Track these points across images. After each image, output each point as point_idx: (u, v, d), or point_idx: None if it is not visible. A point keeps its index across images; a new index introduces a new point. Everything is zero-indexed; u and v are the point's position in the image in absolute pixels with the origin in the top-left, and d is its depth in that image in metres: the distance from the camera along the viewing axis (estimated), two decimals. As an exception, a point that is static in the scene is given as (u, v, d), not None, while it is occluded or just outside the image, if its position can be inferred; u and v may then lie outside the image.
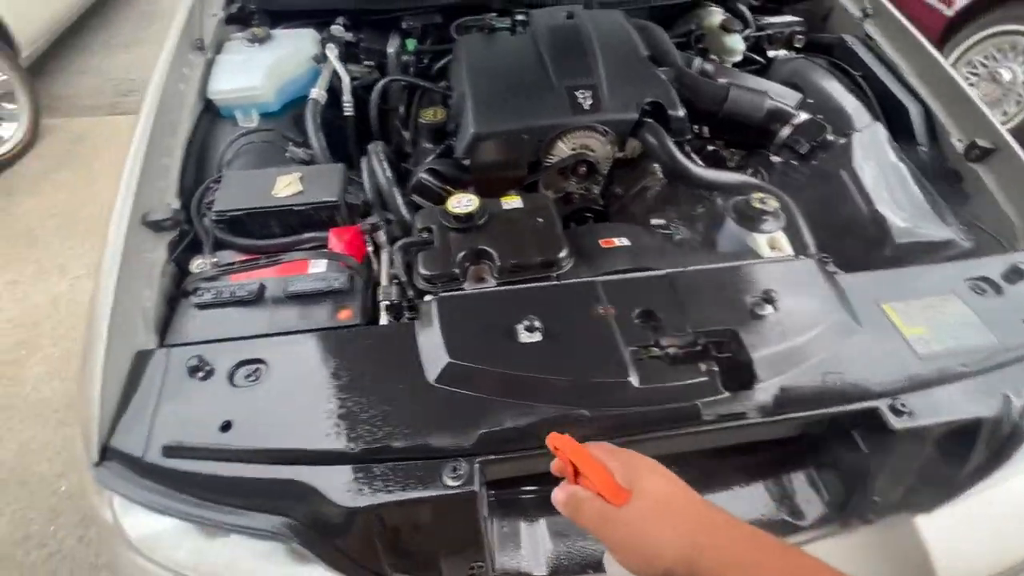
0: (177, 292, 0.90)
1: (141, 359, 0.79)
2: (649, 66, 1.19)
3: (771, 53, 1.51)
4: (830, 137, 1.12)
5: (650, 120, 1.13)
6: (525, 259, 0.92)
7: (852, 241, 1.04)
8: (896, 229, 1.01)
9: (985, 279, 0.88)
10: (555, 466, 0.48)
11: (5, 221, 2.34)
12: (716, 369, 0.73)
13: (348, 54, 1.34)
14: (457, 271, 0.91)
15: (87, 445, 0.71)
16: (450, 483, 0.65)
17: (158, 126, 1.03)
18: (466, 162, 1.11)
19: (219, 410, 0.70)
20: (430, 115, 1.17)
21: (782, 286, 0.82)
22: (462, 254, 0.92)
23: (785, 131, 1.16)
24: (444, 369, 0.77)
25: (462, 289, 0.91)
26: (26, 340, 1.92)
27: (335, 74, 1.26)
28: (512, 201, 1.01)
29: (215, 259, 0.93)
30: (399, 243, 0.95)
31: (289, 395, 0.74)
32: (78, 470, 0.83)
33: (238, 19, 1.36)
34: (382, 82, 1.25)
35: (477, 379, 0.76)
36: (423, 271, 0.91)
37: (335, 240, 0.96)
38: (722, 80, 1.24)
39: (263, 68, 1.21)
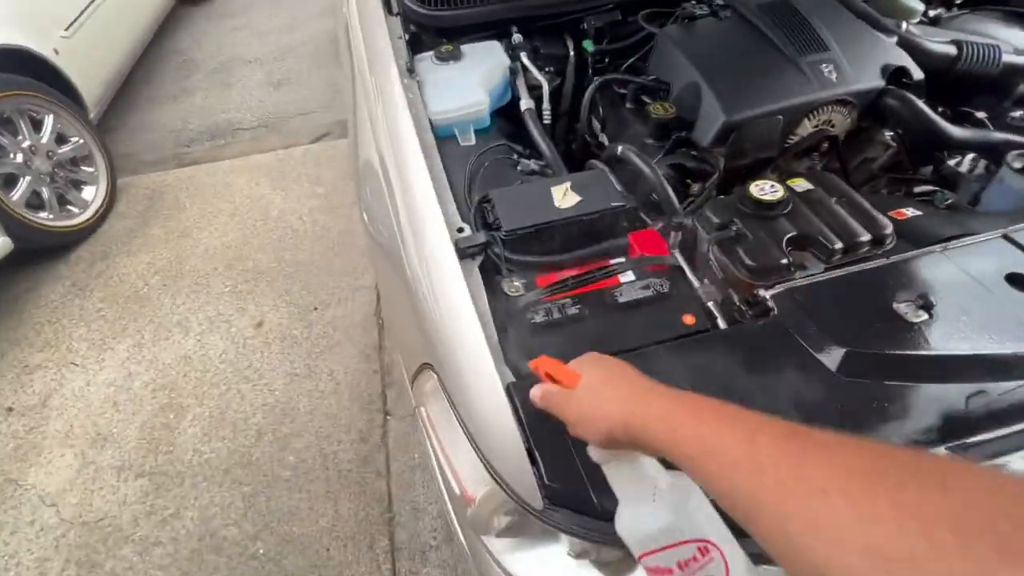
0: (504, 317, 0.84)
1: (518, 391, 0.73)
2: (874, 32, 1.16)
3: (931, 12, 1.49)
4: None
5: (892, 86, 1.10)
6: (852, 239, 0.87)
7: None
8: None
9: None
10: (535, 395, 0.57)
11: (109, 284, 2.27)
12: None
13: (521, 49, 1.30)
14: (786, 260, 0.86)
15: (514, 493, 0.65)
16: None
17: (414, 155, 0.99)
18: (715, 151, 1.07)
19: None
20: (661, 110, 1.12)
21: None
22: (786, 241, 0.88)
23: (1024, 84, 1.13)
24: (843, 359, 0.72)
25: (793, 278, 0.86)
26: (170, 403, 1.84)
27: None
28: (800, 183, 0.97)
29: (522, 280, 0.88)
30: (712, 237, 0.90)
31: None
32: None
33: (414, 40, 1.32)
34: (598, 81, 1.22)
35: (882, 365, 0.72)
36: (751, 263, 0.86)
37: (637, 245, 0.91)
38: (941, 39, 1.21)
39: (478, 83, 1.16)
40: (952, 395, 0.70)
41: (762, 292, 0.84)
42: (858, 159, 1.22)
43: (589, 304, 0.84)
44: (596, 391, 0.49)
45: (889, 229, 0.89)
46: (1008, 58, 1.15)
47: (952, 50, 1.17)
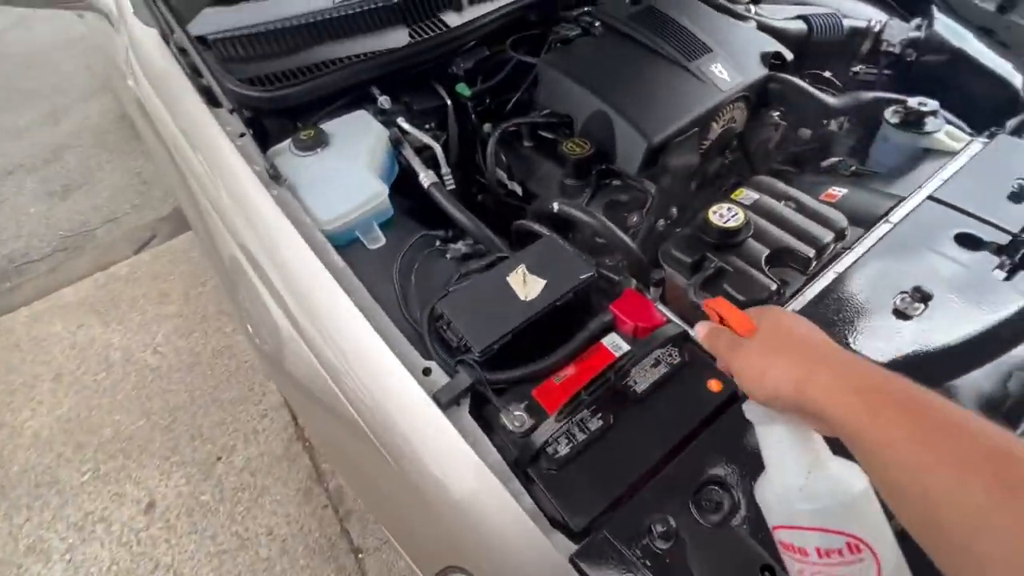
0: (521, 462, 0.67)
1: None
2: (739, 23, 1.18)
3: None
4: (913, 33, 1.21)
5: (773, 72, 1.12)
6: (819, 243, 0.85)
7: (981, 112, 1.14)
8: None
9: None
10: (700, 331, 0.53)
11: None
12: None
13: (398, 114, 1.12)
14: (775, 284, 0.81)
15: None
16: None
17: (327, 290, 0.77)
18: (640, 179, 1.01)
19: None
20: (576, 148, 1.02)
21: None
22: (767, 265, 0.83)
23: (867, 44, 1.23)
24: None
25: (784, 298, 0.82)
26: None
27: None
28: (743, 194, 0.94)
29: (521, 404, 0.72)
30: (694, 282, 0.82)
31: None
32: None
33: (255, 127, 1.06)
34: (499, 130, 1.07)
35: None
36: (743, 299, 0.80)
37: (625, 316, 0.80)
38: (788, 16, 1.27)
39: (362, 168, 0.96)
40: (986, 381, 0.70)
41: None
42: (756, 142, 1.24)
43: (608, 408, 0.71)
44: (773, 344, 0.43)
45: (845, 223, 0.88)
46: (848, 22, 1.24)
47: (803, 26, 1.23)
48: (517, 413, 0.71)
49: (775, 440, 0.43)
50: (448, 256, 0.94)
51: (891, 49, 1.20)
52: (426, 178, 1.00)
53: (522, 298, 0.80)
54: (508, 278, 0.82)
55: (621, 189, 1.05)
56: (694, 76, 1.05)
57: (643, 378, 0.74)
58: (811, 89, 1.12)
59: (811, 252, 0.84)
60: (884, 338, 0.74)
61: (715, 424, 0.69)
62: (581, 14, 1.19)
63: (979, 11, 1.29)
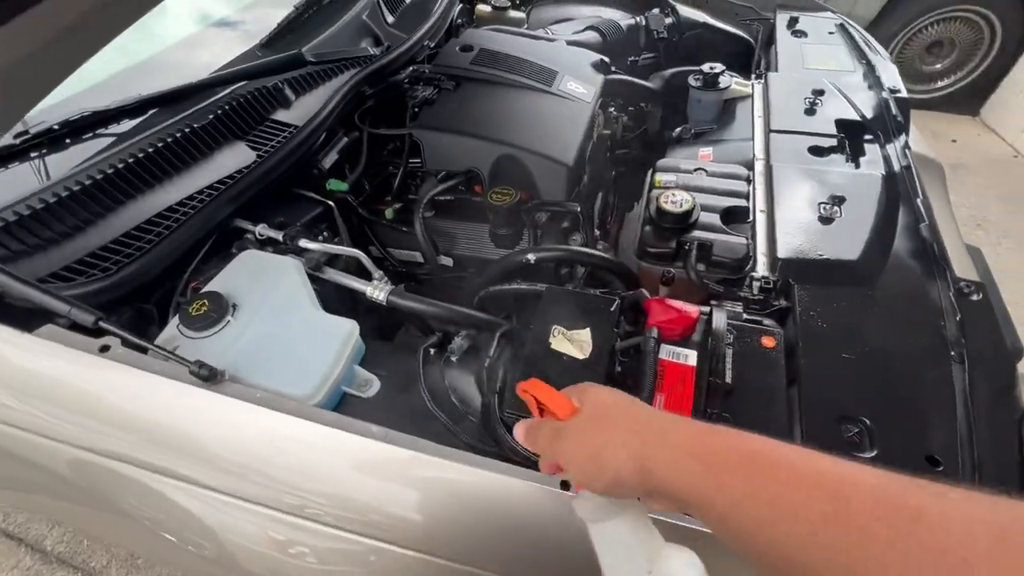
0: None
1: None
2: (555, 45, 1.28)
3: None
4: (668, 20, 1.48)
5: (610, 75, 1.25)
6: (744, 193, 0.99)
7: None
8: None
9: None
10: (518, 432, 0.48)
11: None
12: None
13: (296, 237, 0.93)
14: (745, 239, 0.91)
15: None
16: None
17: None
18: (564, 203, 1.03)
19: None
20: (503, 197, 0.98)
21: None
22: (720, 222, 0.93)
23: (643, 36, 1.46)
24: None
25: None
26: None
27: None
28: (662, 179, 1.02)
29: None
30: (691, 263, 0.87)
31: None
32: None
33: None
34: (420, 217, 0.96)
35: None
36: (730, 260, 0.88)
37: (669, 325, 0.80)
38: (578, 30, 1.43)
39: (314, 313, 0.75)
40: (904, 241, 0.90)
41: (766, 274, 0.88)
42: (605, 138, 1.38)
43: (720, 413, 0.70)
44: (601, 422, 0.38)
45: (746, 171, 1.04)
46: (624, 23, 1.46)
47: (596, 35, 1.40)
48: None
49: (611, 538, 0.39)
50: (455, 358, 0.82)
51: (663, 35, 1.46)
52: (377, 291, 0.84)
53: (580, 358, 0.73)
54: (552, 346, 0.75)
55: (553, 219, 1.05)
56: (561, 97, 1.11)
57: (734, 367, 0.75)
58: (636, 80, 1.29)
59: (745, 203, 0.97)
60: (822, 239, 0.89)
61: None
62: (415, 77, 1.15)
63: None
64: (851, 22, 1.53)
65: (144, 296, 0.82)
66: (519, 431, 0.46)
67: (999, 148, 2.84)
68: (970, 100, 3.04)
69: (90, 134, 0.93)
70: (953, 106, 3.09)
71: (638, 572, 0.37)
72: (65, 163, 0.88)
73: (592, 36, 1.40)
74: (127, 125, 0.95)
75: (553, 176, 1.01)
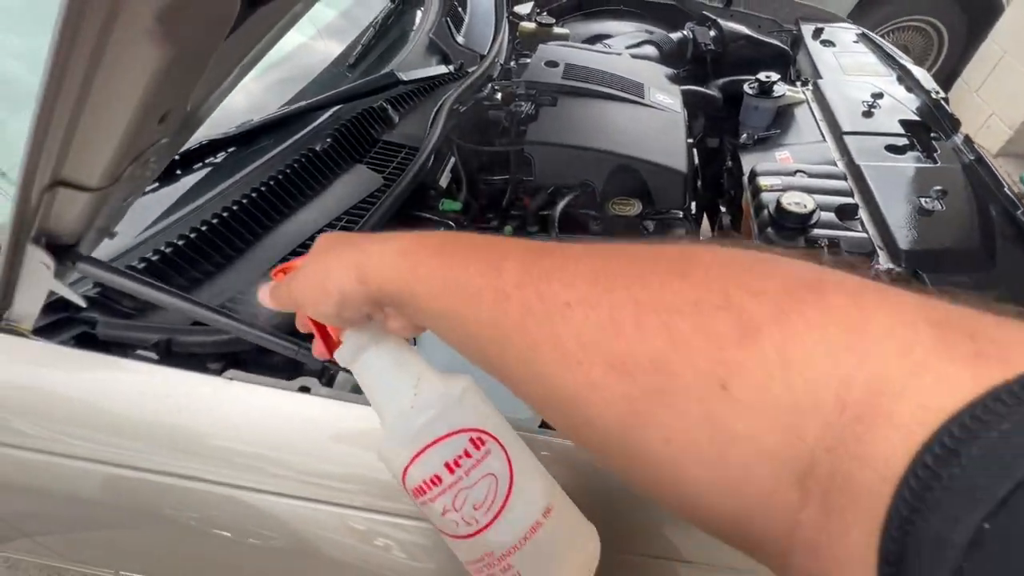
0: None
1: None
2: (623, 58, 1.31)
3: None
4: (712, 33, 1.55)
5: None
6: (849, 190, 1.04)
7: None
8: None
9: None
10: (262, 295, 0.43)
11: None
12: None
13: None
14: (867, 235, 0.96)
15: None
16: None
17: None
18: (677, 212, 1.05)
19: None
20: (627, 207, 0.99)
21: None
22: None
23: (691, 48, 1.52)
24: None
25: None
26: None
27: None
28: (768, 182, 1.06)
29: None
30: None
31: None
32: None
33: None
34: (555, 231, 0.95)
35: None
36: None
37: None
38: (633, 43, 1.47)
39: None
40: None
41: (891, 265, 0.93)
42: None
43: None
44: (321, 258, 0.36)
45: (842, 168, 1.10)
46: (674, 36, 1.51)
47: (654, 49, 1.45)
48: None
49: (373, 370, 0.37)
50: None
51: (710, 47, 1.52)
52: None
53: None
54: None
55: (665, 228, 1.07)
56: (656, 108, 1.13)
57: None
58: (705, 90, 1.34)
59: (853, 201, 1.02)
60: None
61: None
62: (510, 93, 1.14)
63: (711, 8, 1.74)
64: (870, 31, 1.65)
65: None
66: (263, 296, 0.41)
67: (957, 142, 3.12)
68: (926, 100, 3.33)
69: (200, 164, 0.87)
70: (911, 106, 3.38)
71: (405, 393, 0.36)
72: (179, 194, 0.82)
73: (650, 50, 1.45)
74: (239, 153, 0.89)
75: (671, 185, 1.03)
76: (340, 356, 0.38)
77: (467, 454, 0.35)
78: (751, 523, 0.21)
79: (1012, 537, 0.14)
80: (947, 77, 3.26)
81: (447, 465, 0.35)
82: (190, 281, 0.73)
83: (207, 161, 0.87)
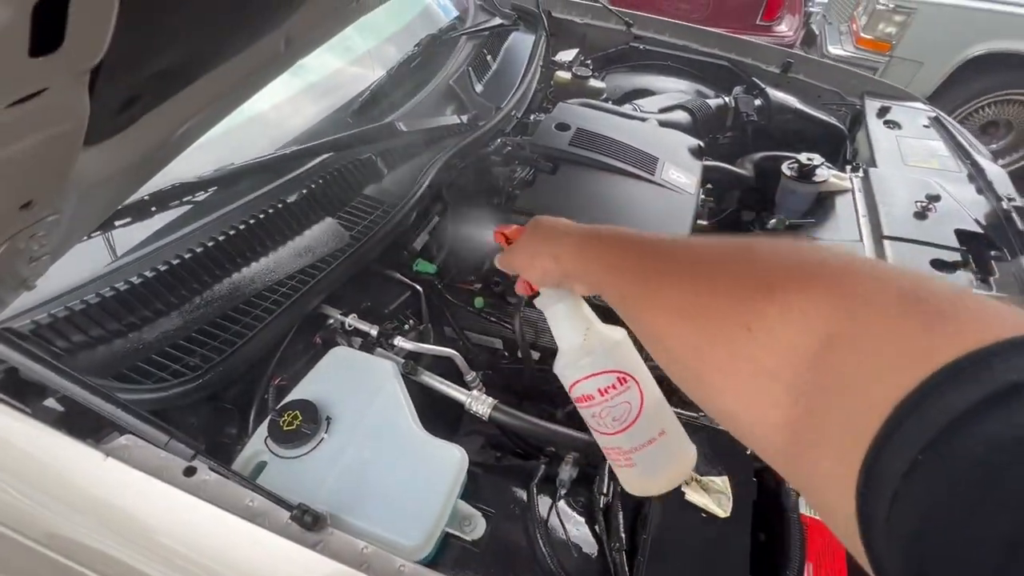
0: None
1: None
2: (647, 126, 1.23)
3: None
4: (757, 102, 1.44)
5: (703, 163, 1.20)
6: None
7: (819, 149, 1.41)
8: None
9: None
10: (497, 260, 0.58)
11: None
12: None
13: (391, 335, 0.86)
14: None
15: None
16: None
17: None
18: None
19: None
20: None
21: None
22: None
23: (731, 117, 1.42)
24: None
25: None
26: None
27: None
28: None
29: None
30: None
31: None
32: None
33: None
34: (522, 305, 0.88)
35: None
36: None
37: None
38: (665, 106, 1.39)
39: (418, 433, 0.67)
40: None
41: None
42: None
43: None
44: (533, 237, 0.50)
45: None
46: (713, 102, 1.41)
47: (687, 115, 1.36)
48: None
49: (558, 316, 0.53)
50: (564, 491, 0.72)
51: (752, 117, 1.41)
52: (480, 405, 0.76)
53: (722, 515, 0.64)
54: (687, 497, 0.65)
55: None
56: (664, 187, 1.04)
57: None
58: (729, 167, 1.23)
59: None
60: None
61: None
62: (511, 155, 1.09)
63: (769, 74, 1.62)
64: (945, 116, 1.47)
65: (223, 393, 0.74)
66: (496, 260, 0.56)
67: (1059, 235, 2.75)
68: (1026, 183, 2.97)
69: (176, 203, 0.87)
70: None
71: (578, 335, 0.51)
72: (147, 236, 0.83)
73: (682, 116, 1.35)
74: (214, 196, 0.89)
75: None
76: (540, 303, 0.54)
77: (613, 387, 0.49)
78: (757, 424, 0.28)
79: (935, 467, 0.19)
80: (1053, 162, 2.90)
81: (599, 390, 0.49)
82: (127, 327, 0.72)
83: (184, 200, 0.87)
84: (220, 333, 0.74)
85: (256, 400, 0.74)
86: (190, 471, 0.59)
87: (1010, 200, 1.13)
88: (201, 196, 0.88)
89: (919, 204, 1.13)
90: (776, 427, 0.27)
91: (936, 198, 1.13)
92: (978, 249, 1.03)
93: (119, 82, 0.40)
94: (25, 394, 0.65)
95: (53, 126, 0.36)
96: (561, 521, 0.68)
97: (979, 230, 1.07)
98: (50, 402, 0.65)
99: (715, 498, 0.65)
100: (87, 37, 0.30)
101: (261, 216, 0.84)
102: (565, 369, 0.52)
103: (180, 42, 0.44)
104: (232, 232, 0.82)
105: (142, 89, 0.46)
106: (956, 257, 1.01)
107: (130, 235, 0.83)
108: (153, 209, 0.86)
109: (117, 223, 0.81)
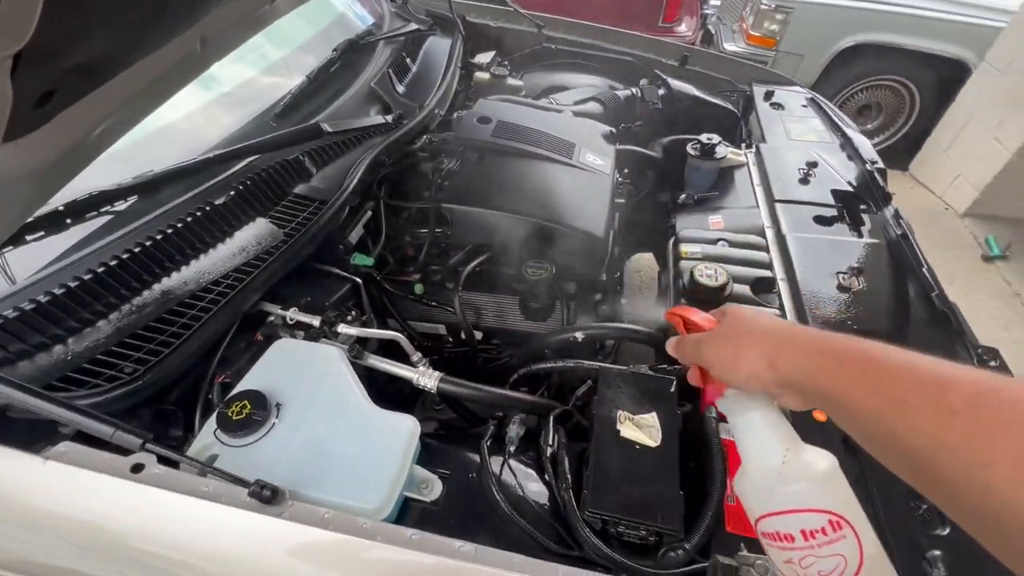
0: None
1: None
2: (563, 116, 1.32)
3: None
4: (661, 92, 1.57)
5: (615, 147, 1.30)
6: (768, 263, 1.03)
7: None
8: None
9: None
10: (670, 345, 0.54)
11: None
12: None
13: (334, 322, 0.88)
14: (777, 311, 0.94)
15: None
16: None
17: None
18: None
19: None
20: (540, 271, 0.97)
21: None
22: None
23: (639, 106, 1.54)
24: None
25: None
26: None
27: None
28: (688, 250, 1.05)
29: (748, 555, 0.64)
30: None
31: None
32: None
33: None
34: (459, 292, 0.92)
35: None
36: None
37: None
38: (579, 99, 1.48)
39: (368, 408, 0.70)
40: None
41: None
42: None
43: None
44: (739, 331, 0.45)
45: (764, 239, 1.09)
46: (621, 93, 1.53)
47: (598, 105, 1.46)
48: (759, 562, 0.63)
49: (751, 428, 0.45)
50: (513, 447, 0.77)
51: (657, 105, 1.54)
52: (425, 378, 0.80)
53: (652, 445, 0.72)
54: (622, 434, 0.73)
55: (583, 291, 1.05)
56: (582, 169, 1.13)
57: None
58: (641, 150, 1.34)
59: (771, 274, 1.00)
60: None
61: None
62: (436, 148, 1.14)
63: (669, 66, 1.77)
64: (820, 96, 1.68)
65: (164, 396, 0.73)
66: (670, 345, 0.52)
67: (929, 200, 3.15)
68: (899, 157, 3.38)
69: (94, 213, 0.85)
70: (884, 162, 3.43)
71: (775, 455, 0.42)
72: (67, 247, 0.80)
73: (595, 106, 1.46)
74: (137, 204, 0.88)
75: (587, 249, 1.01)
76: (726, 405, 0.46)
77: (823, 531, 0.39)
78: None
79: None
80: (919, 136, 3.32)
81: (803, 532, 0.39)
82: (52, 339, 0.70)
83: (103, 211, 0.85)
84: (156, 336, 0.73)
85: (200, 399, 0.74)
86: (137, 467, 0.59)
87: (873, 163, 1.32)
88: (121, 206, 0.87)
89: (801, 171, 1.29)
90: None
91: (815, 164, 1.29)
92: (850, 205, 1.19)
93: (39, 72, 0.41)
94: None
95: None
96: (513, 474, 0.73)
97: (850, 189, 1.24)
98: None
99: (646, 432, 0.73)
100: (14, 19, 0.32)
101: (189, 219, 0.84)
102: (755, 493, 0.43)
103: (99, 35, 0.46)
104: (159, 236, 0.81)
105: (60, 83, 0.47)
106: (833, 212, 1.17)
107: (44, 250, 0.80)
108: (68, 221, 0.83)
109: (28, 237, 0.78)
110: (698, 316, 0.50)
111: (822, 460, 0.42)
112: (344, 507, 0.61)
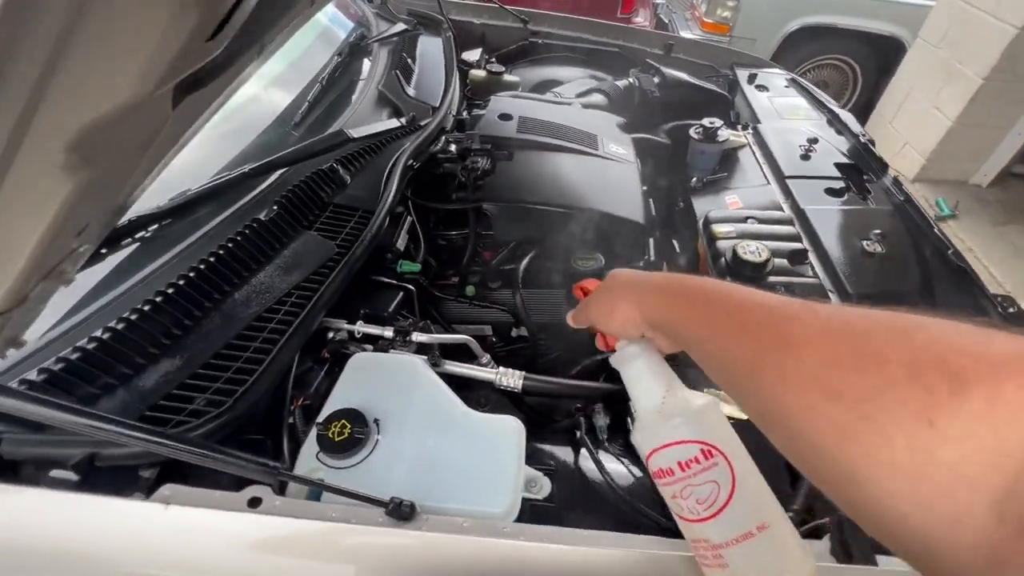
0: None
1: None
2: (574, 108, 1.33)
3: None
4: (656, 79, 1.60)
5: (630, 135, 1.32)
6: (798, 235, 1.08)
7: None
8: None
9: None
10: (569, 317, 0.58)
11: None
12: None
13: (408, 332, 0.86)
14: (817, 280, 1.00)
15: None
16: None
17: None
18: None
19: None
20: (590, 262, 0.98)
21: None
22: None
23: (637, 95, 1.57)
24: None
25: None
26: None
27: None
28: (723, 230, 1.09)
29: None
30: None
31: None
32: None
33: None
34: (519, 289, 0.91)
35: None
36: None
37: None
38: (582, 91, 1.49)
39: (469, 415, 0.69)
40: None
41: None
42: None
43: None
44: (611, 285, 0.50)
45: (789, 212, 1.14)
46: (620, 83, 1.55)
47: (603, 97, 1.48)
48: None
49: (636, 375, 0.48)
50: (604, 437, 0.78)
51: (654, 93, 1.57)
52: (509, 379, 0.79)
53: (745, 417, 0.74)
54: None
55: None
56: (610, 160, 1.15)
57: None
58: (651, 137, 1.38)
59: (802, 246, 1.05)
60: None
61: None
62: (464, 148, 1.13)
63: (655, 55, 1.81)
64: (798, 76, 1.77)
65: (246, 425, 0.69)
66: (570, 317, 0.56)
67: (877, 169, 3.38)
68: (847, 130, 3.60)
69: (129, 239, 0.79)
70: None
71: (656, 396, 0.46)
72: (108, 276, 0.75)
73: (599, 98, 1.48)
74: (175, 225, 0.82)
75: (631, 236, 1.03)
76: (615, 360, 0.50)
77: (696, 460, 0.42)
78: (939, 540, 0.24)
79: None
80: (863, 109, 3.55)
81: (679, 464, 0.43)
82: (119, 379, 0.65)
83: (137, 236, 0.79)
84: (229, 363, 0.69)
85: (284, 425, 0.71)
86: (255, 501, 0.56)
87: (864, 135, 1.41)
88: (159, 228, 0.81)
89: (802, 147, 1.36)
90: (970, 547, 0.23)
91: (815, 140, 1.36)
92: (854, 176, 1.27)
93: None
94: (16, 472, 0.57)
95: (137, 128, 0.34)
96: (618, 460, 0.74)
97: (850, 161, 1.31)
98: (57, 472, 0.57)
99: (733, 406, 0.76)
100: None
101: (239, 237, 0.80)
102: (640, 435, 0.46)
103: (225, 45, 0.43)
104: (212, 258, 0.76)
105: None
106: (841, 185, 1.24)
107: (86, 278, 0.74)
108: (104, 251, 0.77)
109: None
110: (588, 282, 0.56)
111: (699, 398, 0.47)
112: (475, 514, 0.60)
